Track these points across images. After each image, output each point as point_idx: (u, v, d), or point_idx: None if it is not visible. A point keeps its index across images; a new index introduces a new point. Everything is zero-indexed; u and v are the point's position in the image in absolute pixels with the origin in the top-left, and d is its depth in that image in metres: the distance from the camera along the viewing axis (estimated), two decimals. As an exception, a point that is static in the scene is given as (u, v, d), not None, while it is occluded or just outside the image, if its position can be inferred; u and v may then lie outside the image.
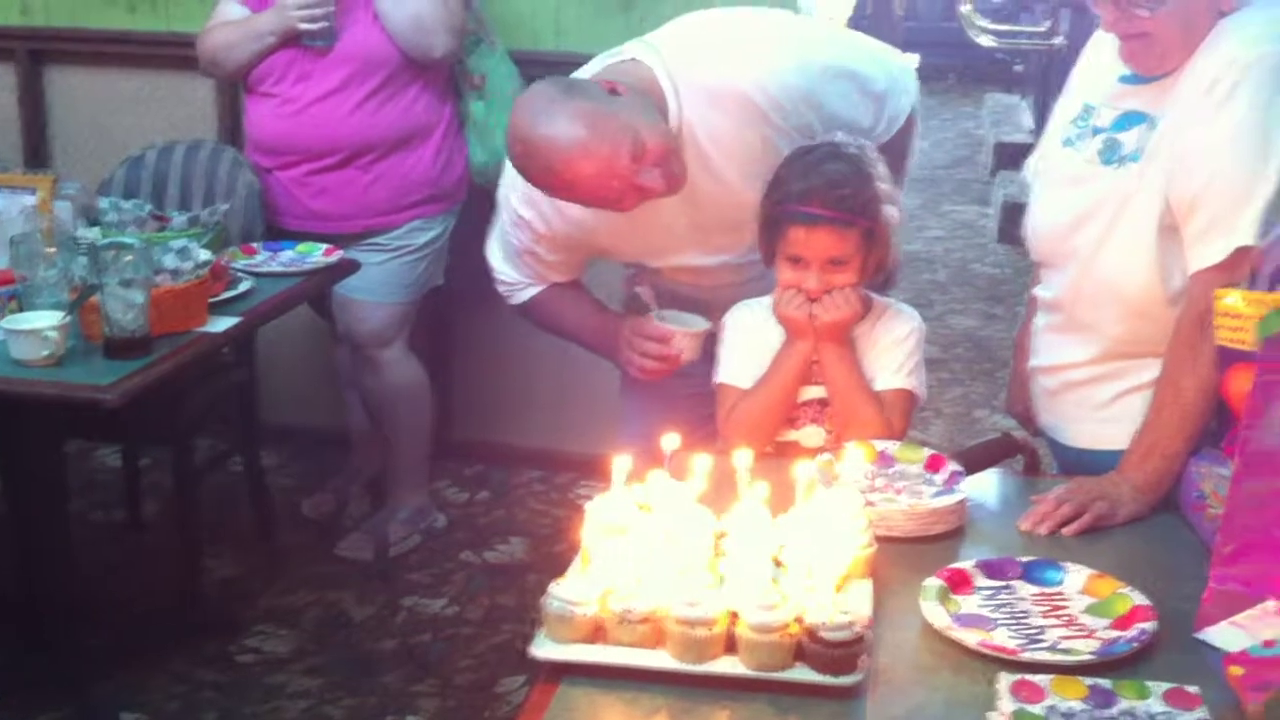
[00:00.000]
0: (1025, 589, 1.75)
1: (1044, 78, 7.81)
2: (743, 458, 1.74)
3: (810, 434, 2.22)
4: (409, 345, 3.61)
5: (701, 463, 1.74)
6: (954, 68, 10.85)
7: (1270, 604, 1.58)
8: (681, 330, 2.41)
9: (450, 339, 4.08)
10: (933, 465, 2.04)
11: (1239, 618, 1.60)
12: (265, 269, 3.14)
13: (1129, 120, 2.09)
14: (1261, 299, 1.77)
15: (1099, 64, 2.20)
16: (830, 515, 1.71)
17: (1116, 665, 1.56)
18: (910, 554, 1.84)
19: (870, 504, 1.89)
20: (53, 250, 2.71)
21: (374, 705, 3.01)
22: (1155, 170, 2.03)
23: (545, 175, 2.20)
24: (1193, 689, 1.48)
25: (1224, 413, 1.90)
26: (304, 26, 3.30)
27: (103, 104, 4.15)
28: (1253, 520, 1.61)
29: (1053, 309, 2.25)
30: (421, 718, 2.97)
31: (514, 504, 3.95)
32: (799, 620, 1.53)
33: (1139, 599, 1.68)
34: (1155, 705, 1.46)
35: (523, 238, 2.49)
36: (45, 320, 2.58)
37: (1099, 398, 2.19)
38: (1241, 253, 1.91)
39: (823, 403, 2.22)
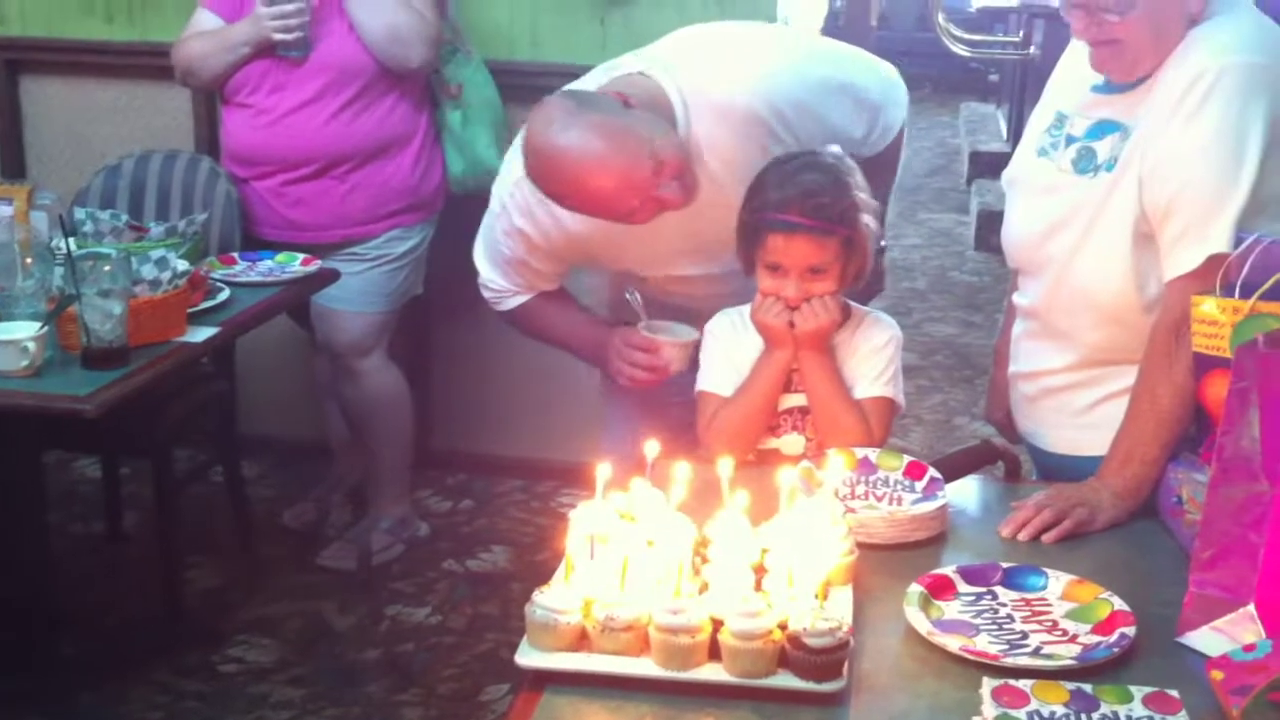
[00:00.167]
0: (1007, 595, 1.75)
1: (1019, 87, 7.85)
2: (724, 466, 1.75)
3: (791, 442, 2.23)
4: (389, 355, 3.61)
5: (682, 471, 1.75)
6: (929, 77, 10.91)
7: (1250, 608, 1.59)
8: (669, 341, 2.42)
9: (430, 348, 4.08)
10: (913, 472, 2.05)
11: (1219, 622, 1.61)
12: (244, 279, 3.14)
13: (1102, 129, 2.11)
14: (1237, 306, 1.79)
15: (1073, 74, 2.22)
16: (811, 522, 1.72)
17: (1098, 670, 1.57)
18: (891, 561, 1.85)
19: (851, 511, 1.90)
20: (30, 261, 2.70)
21: (357, 715, 3.00)
22: (1129, 179, 2.04)
23: (565, 188, 2.20)
24: (1173, 693, 1.49)
25: (1202, 418, 1.91)
26: (279, 37, 3.29)
27: (79, 114, 4.14)
28: (1230, 525, 1.62)
29: (1030, 316, 2.26)
30: (404, 727, 2.97)
31: (496, 513, 3.95)
32: (782, 627, 1.54)
33: (1119, 604, 1.69)
34: (1137, 709, 1.47)
35: (516, 248, 2.49)
36: (23, 331, 2.57)
37: (1077, 404, 2.21)
38: (1215, 260, 1.92)
39: (804, 410, 2.22)
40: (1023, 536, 1.94)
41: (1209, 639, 1.62)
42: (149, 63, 3.90)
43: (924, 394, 4.98)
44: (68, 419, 2.56)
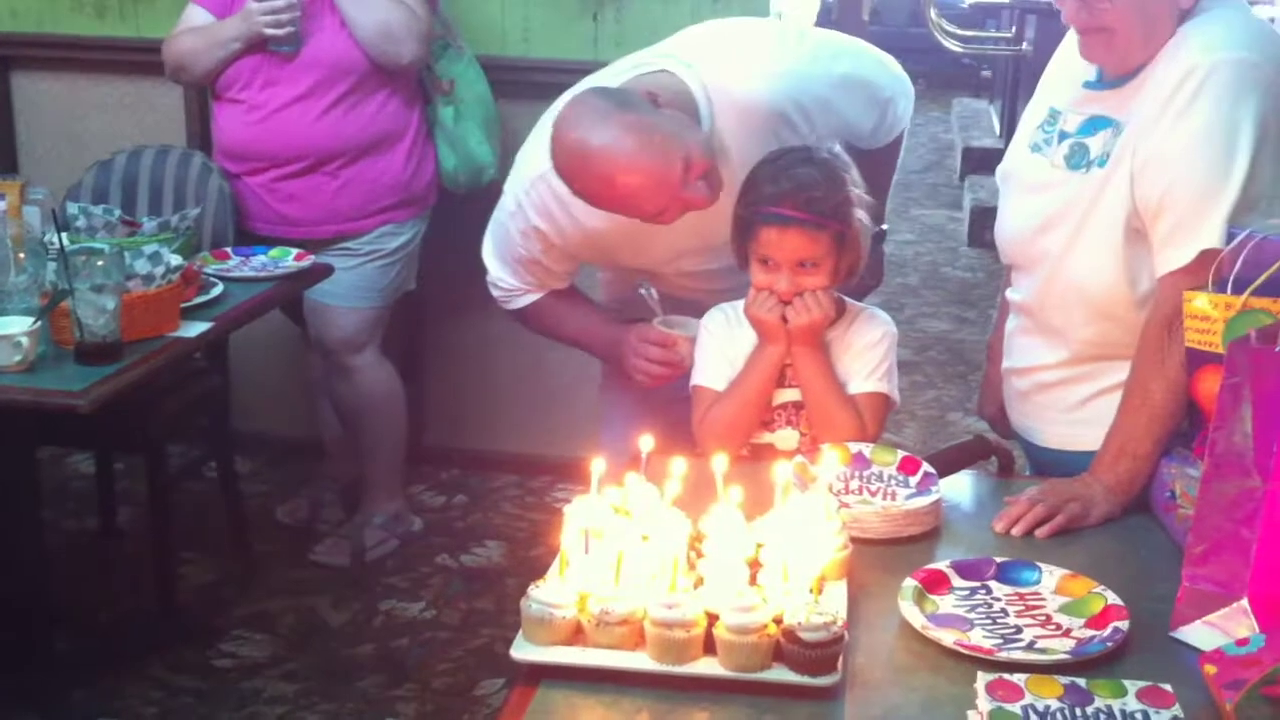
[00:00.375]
0: (1001, 589, 1.76)
1: (1011, 83, 7.86)
2: (719, 461, 1.75)
3: (786, 437, 2.24)
4: (381, 350, 3.60)
5: (677, 466, 1.75)
6: (922, 73, 10.84)
7: (1242, 603, 1.60)
8: (685, 336, 2.41)
9: (423, 344, 4.08)
10: (907, 467, 2.06)
11: (1212, 617, 1.62)
12: (237, 274, 3.13)
13: (1095, 125, 2.11)
14: (1229, 302, 1.80)
15: (1067, 70, 2.23)
16: (806, 517, 1.72)
17: (1092, 664, 1.58)
18: (885, 555, 1.86)
19: (845, 506, 1.91)
20: (23, 256, 2.70)
21: (352, 710, 3.00)
22: (1121, 174, 2.05)
23: (595, 186, 2.20)
24: (1167, 687, 1.50)
25: (1195, 414, 1.92)
26: (270, 32, 3.29)
27: (71, 110, 4.13)
28: (1223, 520, 1.63)
29: (1023, 312, 2.27)
30: (399, 722, 2.97)
31: (490, 508, 3.95)
32: (777, 621, 1.54)
33: (1113, 599, 1.70)
34: (1130, 703, 1.47)
35: (532, 247, 2.48)
36: (16, 326, 2.56)
37: (1070, 399, 2.21)
38: (1208, 255, 1.93)
39: (798, 406, 2.23)
40: (1016, 531, 1.94)
41: (1202, 633, 1.63)
42: (141, 59, 3.89)
43: (917, 389, 4.99)
44: (61, 414, 2.55)
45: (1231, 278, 1.82)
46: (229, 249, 3.29)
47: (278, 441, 4.10)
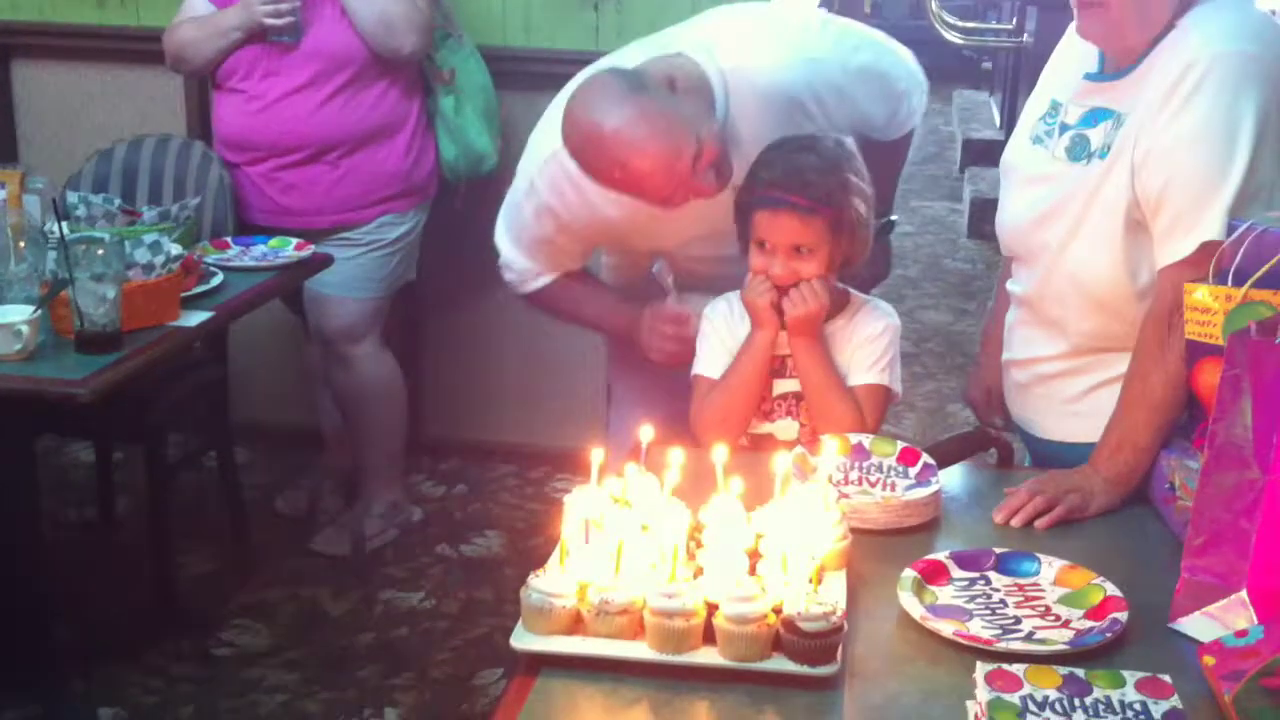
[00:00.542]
0: (1000, 580, 1.76)
1: (1012, 75, 7.85)
2: (719, 451, 1.76)
3: (785, 427, 2.24)
4: (381, 341, 3.61)
5: (677, 456, 1.75)
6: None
7: (1241, 595, 1.60)
8: (699, 313, 2.41)
9: (423, 334, 4.08)
10: (906, 458, 2.06)
11: (1211, 608, 1.62)
12: (237, 263, 3.13)
13: (1096, 117, 2.11)
14: (1229, 294, 1.80)
15: (1068, 62, 2.22)
16: (806, 508, 1.72)
17: (1090, 655, 1.58)
18: (885, 546, 1.86)
19: (845, 496, 1.91)
20: (23, 245, 2.70)
21: (351, 699, 3.01)
22: (1122, 167, 2.05)
23: (606, 166, 2.19)
24: (1165, 678, 1.50)
25: (1194, 406, 1.92)
26: (270, 22, 3.29)
27: (71, 99, 4.13)
28: (1222, 512, 1.63)
29: (1023, 304, 2.27)
30: (399, 711, 2.97)
31: (489, 498, 3.95)
32: (776, 611, 1.55)
33: (1112, 590, 1.70)
34: (1129, 694, 1.47)
35: (545, 228, 2.48)
36: (16, 315, 2.56)
37: (1070, 391, 2.22)
38: (1208, 248, 1.93)
39: (798, 396, 2.23)
40: (1015, 522, 1.95)
41: (1201, 624, 1.63)
42: (141, 48, 3.89)
43: (917, 381, 4.99)
44: (61, 404, 2.55)
45: (1232, 270, 1.82)
46: (229, 239, 3.30)
47: (277, 431, 4.10)
